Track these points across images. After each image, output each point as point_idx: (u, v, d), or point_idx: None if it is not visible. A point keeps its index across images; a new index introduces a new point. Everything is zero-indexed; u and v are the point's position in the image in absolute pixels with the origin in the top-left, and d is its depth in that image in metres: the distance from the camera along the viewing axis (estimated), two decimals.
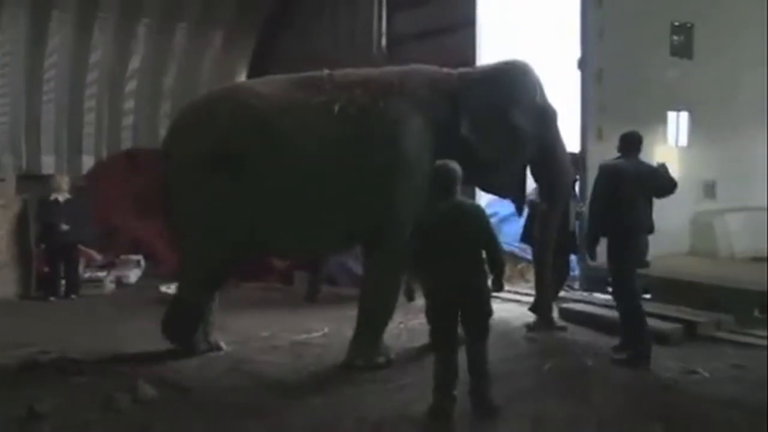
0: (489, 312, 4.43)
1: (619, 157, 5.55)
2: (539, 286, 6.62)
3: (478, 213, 4.46)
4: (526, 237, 7.11)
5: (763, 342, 5.88)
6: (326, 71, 5.82)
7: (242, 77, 12.88)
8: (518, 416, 4.40)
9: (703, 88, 8.49)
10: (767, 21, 6.38)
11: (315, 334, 6.44)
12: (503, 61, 6.16)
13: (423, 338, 6.15)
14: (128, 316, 7.32)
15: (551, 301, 6.69)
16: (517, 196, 6.34)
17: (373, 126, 5.50)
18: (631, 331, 5.49)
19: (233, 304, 7.86)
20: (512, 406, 4.49)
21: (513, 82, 5.93)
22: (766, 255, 7.95)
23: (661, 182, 5.51)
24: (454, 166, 4.48)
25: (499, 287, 4.55)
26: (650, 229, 5.50)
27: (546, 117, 6.05)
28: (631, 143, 5.53)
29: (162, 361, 5.60)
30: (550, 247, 6.41)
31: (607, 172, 5.50)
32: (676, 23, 8.41)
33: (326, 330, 6.55)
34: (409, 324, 6.81)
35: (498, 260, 4.48)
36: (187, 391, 4.94)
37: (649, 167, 5.60)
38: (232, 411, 4.58)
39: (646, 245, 5.49)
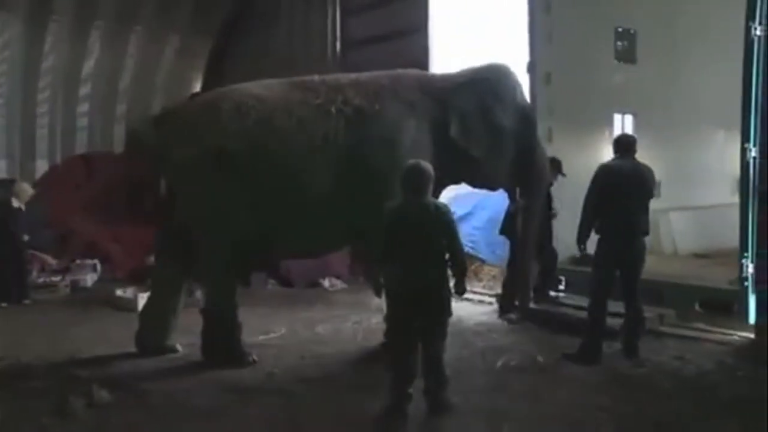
0: (448, 313, 4.46)
1: (616, 158, 5.66)
2: (520, 277, 6.73)
3: (445, 215, 4.44)
4: (504, 231, 7.34)
5: (703, 335, 6.15)
6: (316, 76, 5.98)
7: (198, 81, 12.84)
8: (472, 413, 4.53)
9: (646, 92, 8.77)
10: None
11: (272, 335, 6.50)
12: (485, 65, 6.34)
13: (379, 337, 6.30)
14: (84, 321, 7.28)
15: (530, 291, 6.84)
16: (508, 188, 6.56)
17: (370, 127, 5.67)
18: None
19: (191, 306, 7.89)
20: (466, 403, 4.60)
21: (497, 85, 6.14)
22: (706, 252, 8.28)
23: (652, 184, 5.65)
24: (425, 166, 4.51)
25: (461, 290, 4.58)
26: (645, 231, 5.62)
27: (525, 117, 6.28)
28: (625, 144, 5.69)
29: (118, 365, 5.60)
30: (532, 242, 6.55)
31: (604, 170, 5.61)
32: (620, 29, 8.68)
33: (283, 331, 6.62)
34: (365, 324, 6.93)
35: (461, 263, 4.51)
36: (143, 395, 4.94)
37: (646, 168, 5.66)
38: (189, 413, 4.62)
39: (643, 246, 5.62)
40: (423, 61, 8.80)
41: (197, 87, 12.76)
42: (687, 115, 8.93)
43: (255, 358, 5.63)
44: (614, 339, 5.73)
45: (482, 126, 5.95)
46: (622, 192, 5.47)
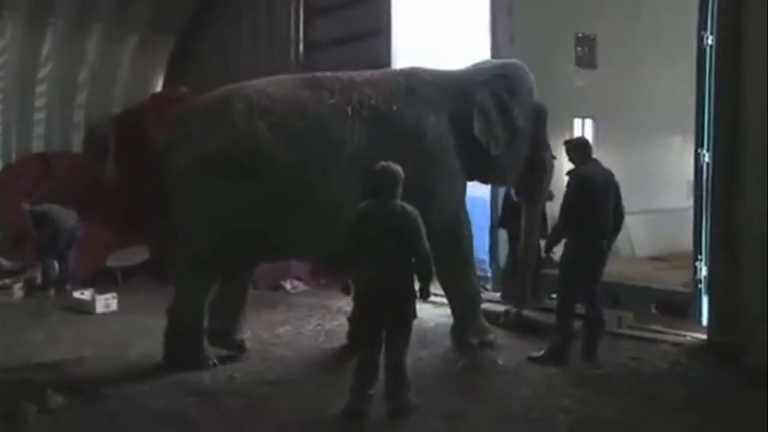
0: (413, 315, 4.48)
1: (589, 165, 5.61)
2: (522, 267, 6.75)
3: (414, 219, 4.40)
4: (502, 224, 7.55)
5: (659, 336, 6.25)
6: (328, 73, 5.93)
7: (159, 81, 12.67)
8: (431, 414, 4.54)
9: (605, 97, 8.92)
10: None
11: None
12: (502, 63, 6.44)
13: (341, 339, 6.30)
14: (38, 323, 7.13)
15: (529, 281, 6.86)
16: (516, 182, 6.59)
17: (388, 127, 5.63)
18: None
19: (154, 309, 7.78)
20: (425, 405, 4.62)
21: (515, 83, 6.22)
22: (663, 255, 8.45)
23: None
24: (395, 168, 4.50)
25: (426, 295, 4.60)
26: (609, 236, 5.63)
27: (538, 115, 6.37)
28: (585, 148, 5.68)
29: (74, 369, 5.50)
30: (535, 235, 6.64)
31: (580, 178, 5.56)
32: (580, 34, 8.81)
33: (246, 333, 6.56)
34: (326, 326, 6.92)
35: (427, 267, 4.49)
36: (100, 399, 4.87)
37: (611, 174, 5.66)
38: (147, 418, 4.56)
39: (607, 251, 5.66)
40: (385, 63, 8.81)
41: (158, 86, 12.60)
42: (645, 120, 9.11)
43: (216, 361, 5.56)
44: (574, 339, 5.74)
45: (501, 124, 6.04)
46: (597, 198, 5.47)
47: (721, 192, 5.94)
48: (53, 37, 11.29)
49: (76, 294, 8.03)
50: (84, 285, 8.48)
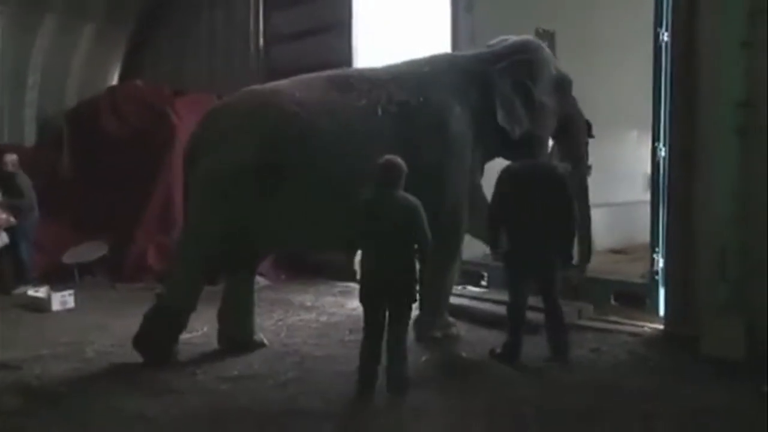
0: (413, 299, 4.79)
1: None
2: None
3: (417, 210, 4.68)
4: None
5: (618, 327, 6.38)
6: (353, 69, 6.03)
7: (115, 73, 12.43)
8: (393, 408, 4.60)
9: None
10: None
11: (194, 334, 6.36)
12: (518, 43, 6.40)
13: (303, 334, 6.28)
14: None
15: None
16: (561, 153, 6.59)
17: (417, 122, 5.66)
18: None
19: (112, 305, 7.67)
20: (389, 398, 4.68)
21: (533, 63, 6.26)
22: (622, 247, 8.61)
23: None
24: (398, 161, 4.73)
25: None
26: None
27: (561, 86, 6.44)
28: None
29: (29, 369, 5.36)
30: (587, 198, 6.63)
31: (502, 173, 5.55)
32: (541, 30, 8.89)
33: (205, 329, 6.48)
34: (288, 320, 6.90)
35: (428, 255, 4.78)
36: (57, 399, 4.77)
37: (551, 168, 5.67)
38: (107, 417, 4.48)
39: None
40: (347, 57, 8.79)
41: (115, 78, 12.36)
42: (603, 114, 9.17)
43: (177, 357, 5.53)
44: (535, 333, 5.74)
45: (524, 107, 6.10)
46: (519, 194, 5.39)
47: (677, 186, 6.07)
48: (1, 27, 10.97)
49: (31, 292, 7.84)
50: (39, 282, 8.28)
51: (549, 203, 5.33)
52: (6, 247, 8.27)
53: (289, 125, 5.40)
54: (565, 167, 6.29)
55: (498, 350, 5.56)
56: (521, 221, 5.35)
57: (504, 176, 5.51)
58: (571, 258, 5.57)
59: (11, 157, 8.62)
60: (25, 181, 8.57)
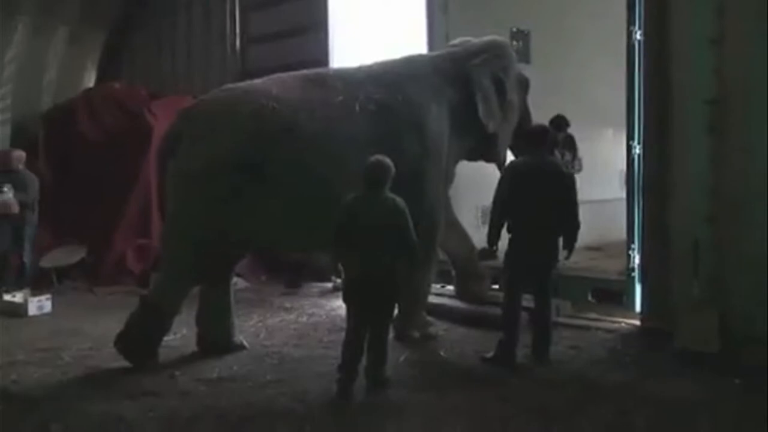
0: (396, 299, 4.89)
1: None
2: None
3: (403, 211, 4.70)
4: None
5: (595, 323, 6.45)
6: (330, 68, 6.00)
7: (92, 75, 12.33)
8: (372, 406, 4.61)
9: (539, 91, 9.08)
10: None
11: (172, 337, 6.32)
12: (489, 42, 6.56)
13: (283, 335, 6.27)
14: None
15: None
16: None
17: (395, 120, 5.68)
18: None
19: (89, 310, 7.61)
20: (366, 397, 4.70)
21: (504, 61, 6.48)
22: (599, 244, 8.67)
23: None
24: (388, 162, 4.74)
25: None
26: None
27: (522, 85, 6.70)
28: (529, 138, 5.67)
29: (3, 374, 5.30)
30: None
31: (506, 169, 5.61)
32: (515, 29, 8.95)
33: (184, 332, 6.45)
34: (267, 322, 6.88)
35: (414, 258, 4.85)
36: (32, 404, 4.72)
37: (553, 164, 5.62)
38: (84, 421, 4.45)
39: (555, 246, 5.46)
40: (323, 58, 8.80)
41: (91, 81, 12.25)
42: (579, 112, 9.29)
43: (156, 360, 5.51)
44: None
45: (498, 103, 6.27)
46: (522, 190, 5.32)
47: (652, 183, 6.14)
48: None
49: (7, 296, 7.76)
50: (16, 286, 8.18)
51: (553, 200, 5.31)
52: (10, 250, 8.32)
53: (266, 121, 5.36)
54: (566, 163, 6.44)
55: (488, 355, 5.44)
56: (525, 219, 5.31)
57: (508, 173, 5.50)
58: (570, 254, 5.59)
59: (18, 154, 8.60)
60: (31, 179, 8.52)
